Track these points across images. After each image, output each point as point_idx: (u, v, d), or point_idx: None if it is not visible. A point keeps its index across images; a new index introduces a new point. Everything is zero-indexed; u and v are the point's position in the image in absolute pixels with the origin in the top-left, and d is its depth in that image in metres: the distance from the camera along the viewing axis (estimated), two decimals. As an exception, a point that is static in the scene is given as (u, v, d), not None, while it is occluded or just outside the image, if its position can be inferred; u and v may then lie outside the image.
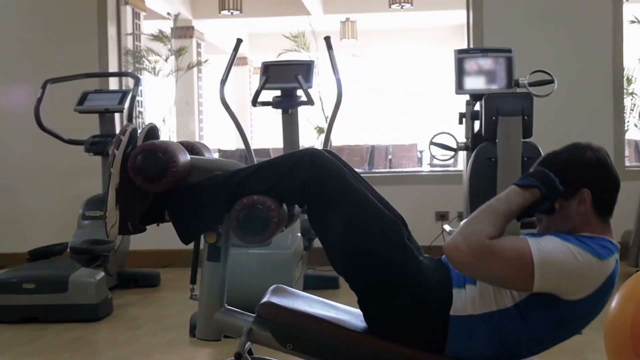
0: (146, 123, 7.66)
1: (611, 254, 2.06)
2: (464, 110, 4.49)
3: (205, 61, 11.47)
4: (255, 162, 2.62)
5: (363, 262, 2.11)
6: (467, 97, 4.44)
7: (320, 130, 10.18)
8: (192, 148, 2.38)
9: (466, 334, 2.06)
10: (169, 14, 10.01)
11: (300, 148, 3.75)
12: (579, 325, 2.13)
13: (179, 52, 9.94)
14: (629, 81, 8.11)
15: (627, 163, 6.46)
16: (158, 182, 2.13)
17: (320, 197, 2.11)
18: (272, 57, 8.75)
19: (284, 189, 2.14)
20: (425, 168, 10.45)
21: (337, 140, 9.06)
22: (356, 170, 2.36)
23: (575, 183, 2.10)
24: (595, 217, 2.12)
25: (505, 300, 2.05)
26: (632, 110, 8.23)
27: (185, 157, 2.21)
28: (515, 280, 1.99)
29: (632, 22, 8.18)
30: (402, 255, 2.11)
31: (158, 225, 2.29)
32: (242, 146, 4.93)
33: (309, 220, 2.18)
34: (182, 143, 2.32)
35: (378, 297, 2.12)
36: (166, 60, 9.63)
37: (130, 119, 5.17)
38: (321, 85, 8.54)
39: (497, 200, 2.06)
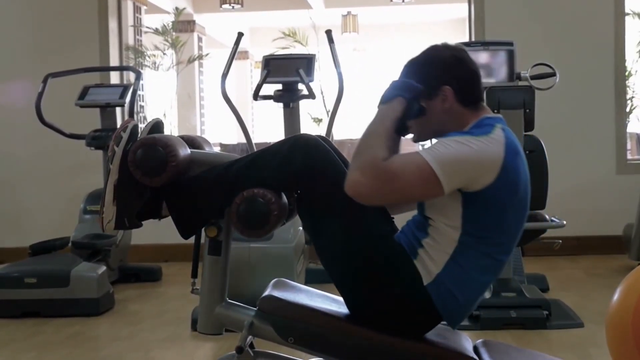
0: (147, 117, 7.69)
1: (492, 127, 2.08)
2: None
3: (207, 55, 11.45)
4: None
5: (349, 256, 2.11)
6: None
7: (317, 120, 10.19)
8: (193, 142, 2.38)
9: (447, 292, 2.07)
10: (177, 8, 9.98)
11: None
12: (522, 201, 2.12)
13: (175, 44, 9.91)
14: (627, 75, 8.08)
15: (629, 156, 6.44)
16: (158, 176, 2.13)
17: (313, 185, 2.10)
18: (273, 52, 8.73)
19: (280, 179, 2.14)
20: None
21: (338, 134, 9.04)
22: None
23: (434, 82, 2.15)
24: (464, 109, 2.16)
25: (452, 236, 2.06)
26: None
27: (185, 151, 2.21)
28: (423, 192, 2.01)
29: (626, 14, 8.12)
30: (387, 249, 2.10)
31: (159, 220, 2.29)
32: (243, 140, 4.92)
33: (297, 208, 2.18)
34: (182, 137, 2.32)
35: (364, 292, 2.12)
36: (164, 53, 9.61)
37: (131, 113, 5.16)
38: (322, 79, 8.53)
39: (371, 125, 2.10)
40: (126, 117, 5.26)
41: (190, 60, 10.46)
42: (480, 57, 4.33)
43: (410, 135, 2.25)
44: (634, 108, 7.97)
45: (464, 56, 2.20)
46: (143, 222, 2.25)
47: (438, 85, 2.14)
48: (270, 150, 2.20)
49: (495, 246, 2.10)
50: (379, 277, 2.09)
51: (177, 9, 10.00)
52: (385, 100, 2.13)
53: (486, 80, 4.27)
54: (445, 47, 2.23)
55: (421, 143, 2.50)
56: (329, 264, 2.18)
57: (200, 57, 11.37)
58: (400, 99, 2.12)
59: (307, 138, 2.18)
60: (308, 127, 9.81)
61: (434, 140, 2.12)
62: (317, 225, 2.17)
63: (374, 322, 2.11)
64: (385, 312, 2.11)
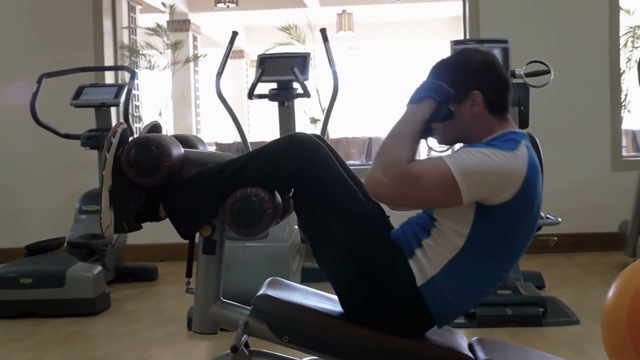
0: (143, 117, 7.66)
1: (518, 143, 2.07)
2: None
3: (205, 56, 11.42)
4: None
5: (344, 255, 2.11)
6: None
7: (313, 120, 10.18)
8: (187, 141, 2.38)
9: (441, 296, 2.07)
10: (163, 4, 9.94)
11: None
12: (534, 218, 2.11)
13: (175, 46, 9.90)
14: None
15: (624, 153, 6.44)
16: (151, 176, 2.13)
17: (308, 184, 2.10)
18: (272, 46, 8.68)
19: (276, 179, 2.14)
20: (423, 159, 10.40)
21: (334, 133, 9.04)
22: (354, 162, 2.36)
23: (465, 86, 2.13)
24: (491, 117, 2.15)
25: (456, 242, 2.05)
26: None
27: (178, 151, 2.21)
28: (443, 199, 2.00)
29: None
30: (382, 248, 2.10)
31: (158, 221, 2.29)
32: (239, 139, 4.92)
33: (294, 207, 2.18)
34: (176, 137, 2.32)
35: (358, 292, 2.12)
36: (161, 53, 9.59)
37: (126, 113, 5.15)
38: (317, 77, 8.52)
39: (399, 124, 2.09)
40: (121, 117, 5.25)
41: (186, 61, 10.43)
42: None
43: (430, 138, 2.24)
44: (627, 103, 7.99)
45: (495, 62, 2.19)
46: (142, 224, 2.25)
47: (468, 89, 2.12)
48: (266, 151, 2.19)
49: (497, 261, 2.09)
50: (373, 277, 2.09)
51: (170, 7, 9.95)
52: (415, 100, 2.11)
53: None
54: (477, 51, 2.22)
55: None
56: (324, 263, 2.18)
57: (196, 57, 11.33)
58: (430, 101, 2.10)
59: (302, 137, 2.17)
60: (303, 125, 9.81)
61: (458, 145, 2.10)
62: (312, 224, 2.16)
63: (368, 322, 2.11)
64: (379, 312, 2.10)
